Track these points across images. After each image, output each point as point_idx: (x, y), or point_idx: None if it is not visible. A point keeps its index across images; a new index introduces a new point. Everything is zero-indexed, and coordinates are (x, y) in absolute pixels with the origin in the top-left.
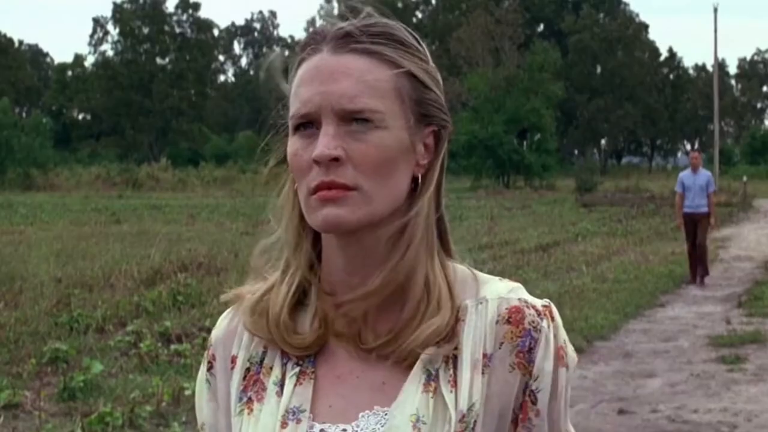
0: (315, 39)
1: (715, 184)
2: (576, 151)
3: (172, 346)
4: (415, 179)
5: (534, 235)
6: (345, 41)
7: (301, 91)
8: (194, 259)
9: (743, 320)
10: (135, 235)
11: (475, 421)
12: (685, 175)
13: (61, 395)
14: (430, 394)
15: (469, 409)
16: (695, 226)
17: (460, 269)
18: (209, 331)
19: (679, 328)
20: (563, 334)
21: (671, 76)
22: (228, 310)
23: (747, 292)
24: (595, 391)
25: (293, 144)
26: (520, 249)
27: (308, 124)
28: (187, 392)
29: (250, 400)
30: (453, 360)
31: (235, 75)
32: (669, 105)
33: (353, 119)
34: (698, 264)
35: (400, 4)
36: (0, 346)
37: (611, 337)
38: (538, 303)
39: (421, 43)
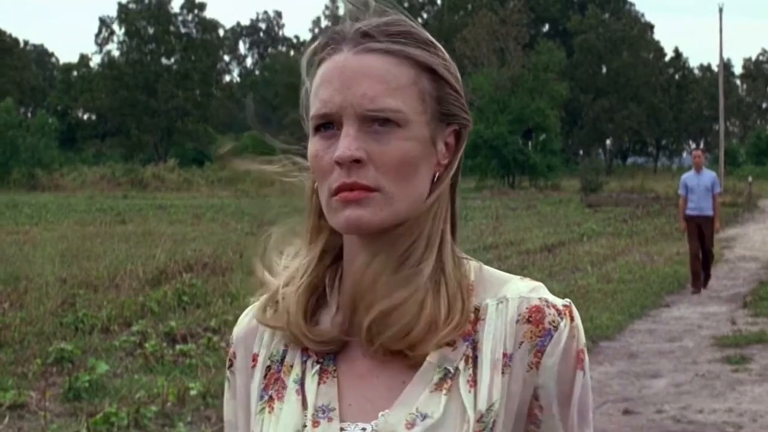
0: (334, 39)
1: (720, 186)
2: (581, 152)
3: (177, 346)
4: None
5: (539, 236)
6: (365, 41)
7: (321, 92)
8: (199, 259)
9: (748, 320)
10: (140, 235)
11: (494, 421)
12: (688, 176)
13: (66, 395)
14: (443, 392)
15: (488, 409)
16: (700, 230)
17: (483, 268)
18: (214, 331)
19: (684, 329)
20: (583, 336)
21: (676, 76)
22: (249, 308)
23: (752, 292)
24: (600, 391)
25: (314, 145)
26: (525, 249)
27: (329, 125)
28: (192, 392)
29: (271, 398)
30: (473, 359)
31: (240, 75)
32: (674, 105)
33: (374, 120)
34: (704, 269)
35: (406, 4)
36: (5, 347)
37: (616, 337)
38: (559, 302)
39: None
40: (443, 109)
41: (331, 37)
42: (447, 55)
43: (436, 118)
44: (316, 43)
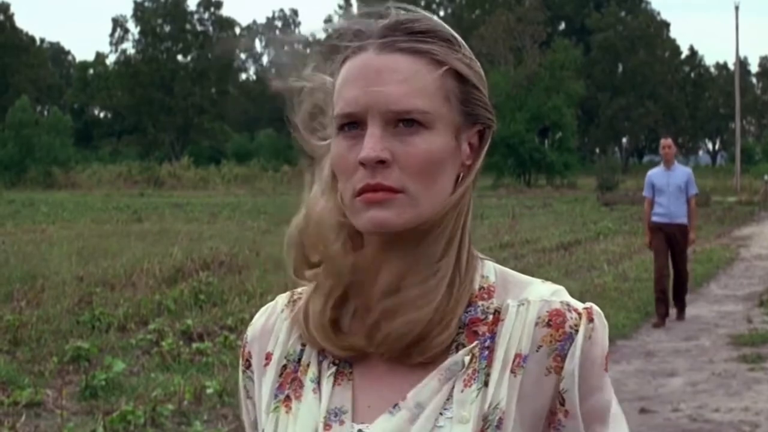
0: (359, 37)
1: (696, 186)
2: (597, 150)
3: (194, 345)
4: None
5: (555, 234)
6: (390, 40)
7: (345, 91)
8: (216, 257)
9: (764, 319)
10: (156, 233)
11: (500, 419)
12: (655, 173)
13: (83, 394)
14: (447, 390)
15: (494, 407)
16: (669, 243)
17: (504, 270)
18: (231, 329)
19: (700, 327)
20: (606, 340)
21: (692, 75)
22: (264, 308)
23: None
24: (616, 390)
25: (337, 145)
26: (542, 248)
27: (353, 125)
28: (209, 391)
29: (288, 398)
30: (490, 359)
31: (256, 73)
32: (690, 103)
33: (400, 120)
34: (675, 296)
35: (422, 2)
36: (22, 345)
37: (633, 336)
38: (580, 306)
39: (461, 40)
40: (467, 110)
41: (355, 35)
42: (472, 54)
43: (460, 118)
44: (339, 41)
